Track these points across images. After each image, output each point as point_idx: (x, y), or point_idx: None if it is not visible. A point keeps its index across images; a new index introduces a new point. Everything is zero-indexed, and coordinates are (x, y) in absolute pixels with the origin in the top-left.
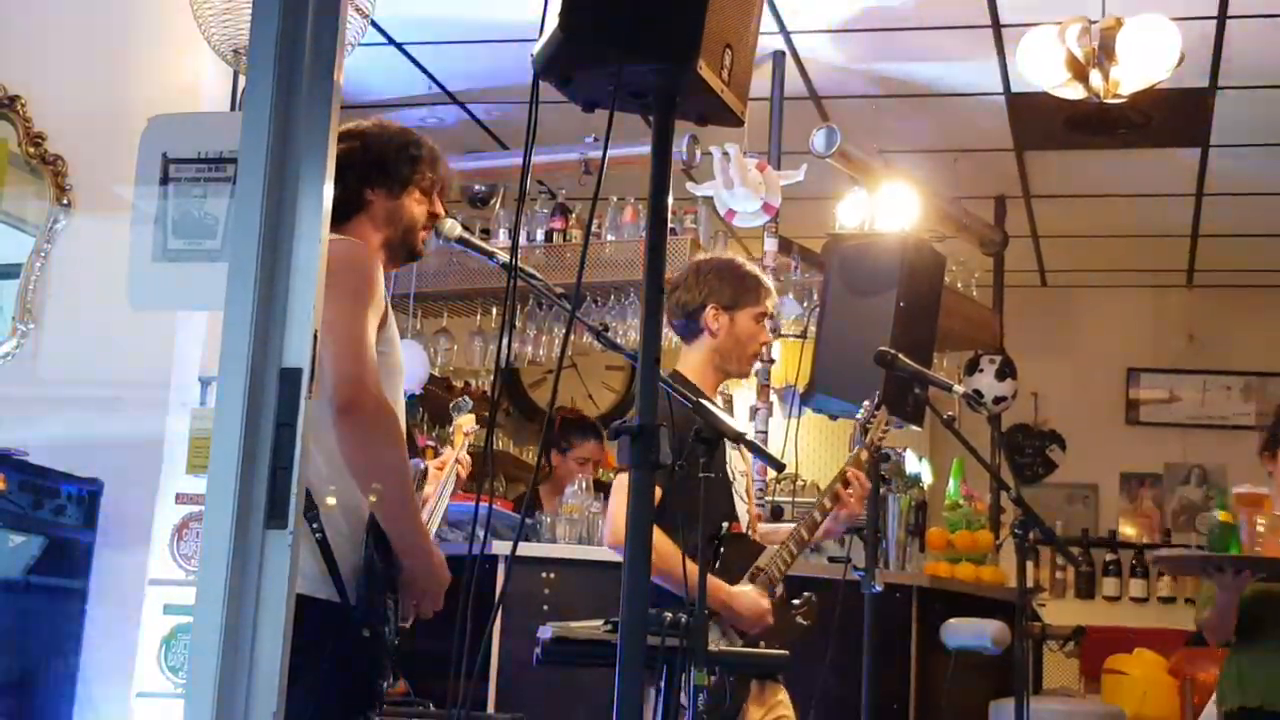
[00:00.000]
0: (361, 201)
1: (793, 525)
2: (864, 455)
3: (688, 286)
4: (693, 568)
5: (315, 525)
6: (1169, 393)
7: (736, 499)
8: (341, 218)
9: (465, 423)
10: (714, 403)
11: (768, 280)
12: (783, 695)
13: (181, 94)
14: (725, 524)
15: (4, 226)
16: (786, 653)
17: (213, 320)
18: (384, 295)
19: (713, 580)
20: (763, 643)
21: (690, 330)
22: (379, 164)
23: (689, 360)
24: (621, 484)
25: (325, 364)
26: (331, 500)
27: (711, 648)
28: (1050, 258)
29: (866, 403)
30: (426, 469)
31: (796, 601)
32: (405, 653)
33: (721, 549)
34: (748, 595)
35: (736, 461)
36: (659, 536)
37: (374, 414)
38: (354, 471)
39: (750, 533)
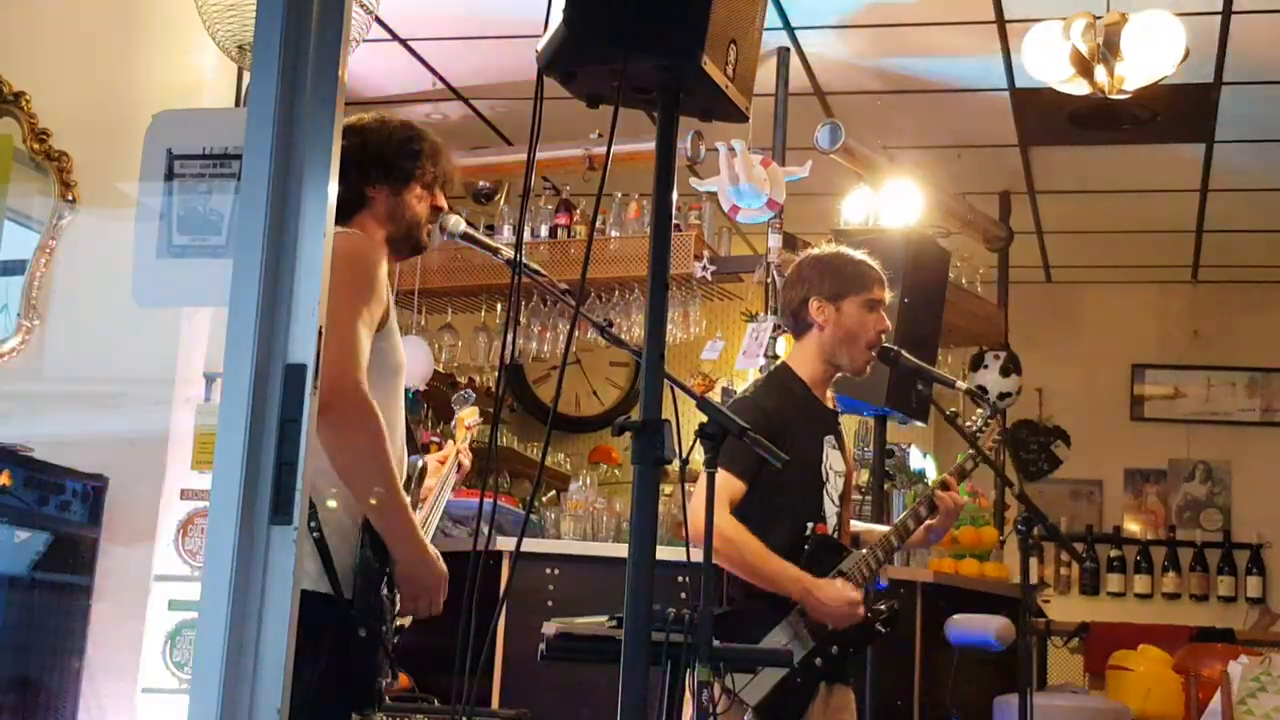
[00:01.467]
0: (363, 199)
1: (885, 529)
2: (970, 466)
3: (790, 284)
4: (775, 562)
5: (313, 524)
6: (1174, 388)
7: (826, 500)
8: (343, 215)
9: (468, 415)
10: (819, 397)
11: (875, 266)
12: (849, 700)
13: (186, 90)
14: (810, 524)
15: (9, 223)
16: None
17: (218, 316)
18: (387, 290)
19: (792, 569)
20: (834, 648)
21: (799, 326)
22: (379, 160)
23: (798, 354)
24: (701, 483)
25: None
26: (328, 498)
27: (782, 645)
28: (1055, 253)
29: (981, 409)
30: (425, 464)
31: (881, 607)
32: (409, 648)
33: (805, 548)
34: (832, 585)
35: (835, 461)
36: (739, 531)
37: (352, 410)
38: (335, 467)
39: (838, 535)
